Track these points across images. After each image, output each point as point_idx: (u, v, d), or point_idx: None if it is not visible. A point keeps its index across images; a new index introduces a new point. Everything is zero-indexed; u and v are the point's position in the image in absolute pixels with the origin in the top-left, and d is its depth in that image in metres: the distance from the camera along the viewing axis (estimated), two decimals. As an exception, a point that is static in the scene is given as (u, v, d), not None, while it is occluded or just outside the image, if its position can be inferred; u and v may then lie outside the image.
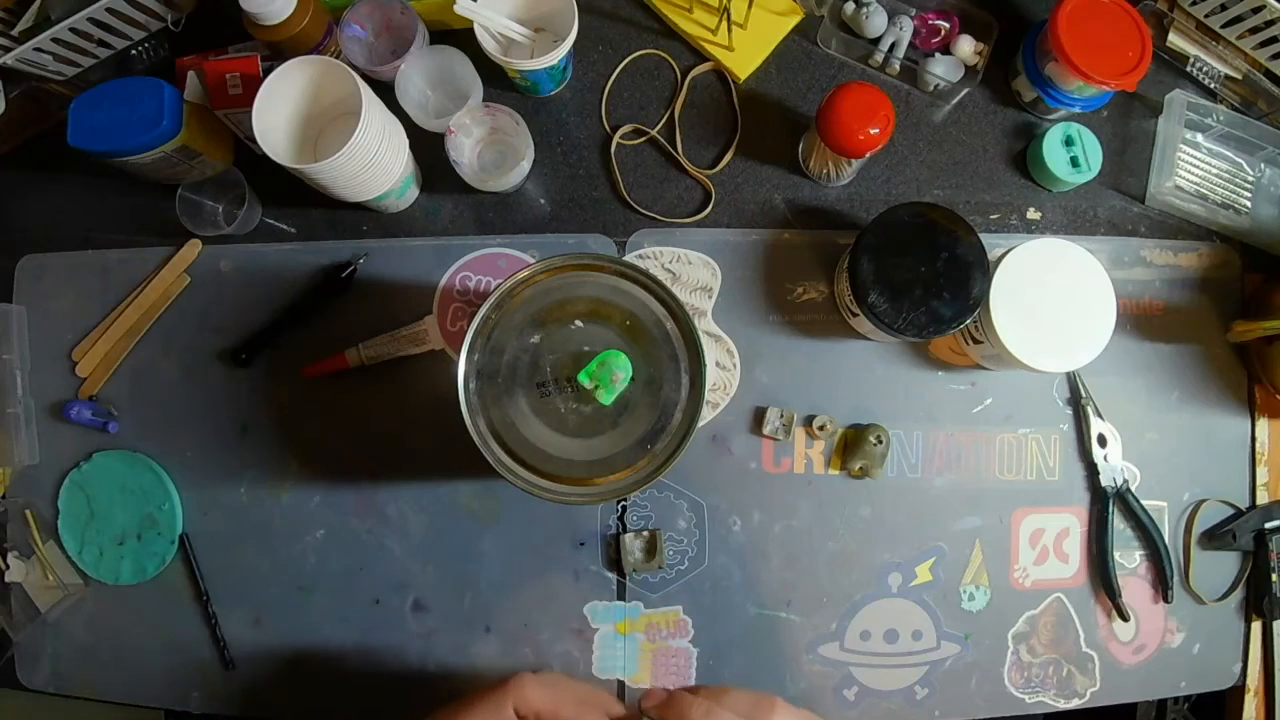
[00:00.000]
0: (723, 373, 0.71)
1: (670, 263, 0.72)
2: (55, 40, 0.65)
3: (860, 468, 0.70)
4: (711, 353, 0.71)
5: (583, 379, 0.52)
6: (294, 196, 0.70)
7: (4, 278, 0.73)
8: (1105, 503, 0.70)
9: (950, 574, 0.71)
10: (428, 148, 0.70)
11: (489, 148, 0.71)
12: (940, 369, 0.72)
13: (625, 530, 0.70)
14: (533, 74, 0.68)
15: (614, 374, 0.52)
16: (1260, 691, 0.72)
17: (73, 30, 0.65)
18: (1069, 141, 0.71)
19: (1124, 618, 0.70)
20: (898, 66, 0.73)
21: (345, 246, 0.72)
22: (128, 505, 0.71)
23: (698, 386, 0.53)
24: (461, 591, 0.70)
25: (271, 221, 0.73)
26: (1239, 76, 0.74)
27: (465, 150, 0.69)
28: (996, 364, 0.69)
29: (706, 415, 0.70)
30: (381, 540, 0.70)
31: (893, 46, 0.72)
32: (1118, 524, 0.71)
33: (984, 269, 0.62)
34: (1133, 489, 0.71)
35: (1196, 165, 0.74)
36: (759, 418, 0.70)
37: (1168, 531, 0.72)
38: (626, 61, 0.74)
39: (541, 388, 0.55)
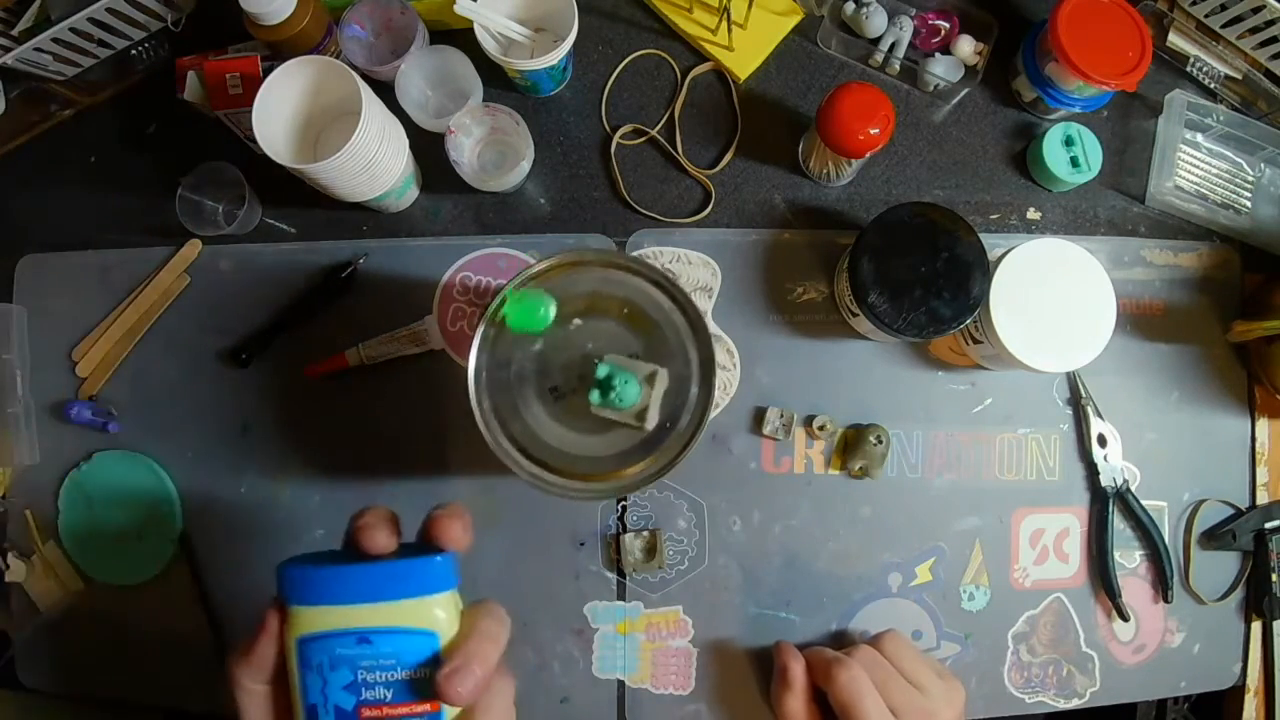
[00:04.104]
0: (723, 373, 0.71)
1: (670, 263, 0.72)
2: (55, 40, 0.65)
3: (860, 468, 0.70)
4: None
5: (594, 400, 0.52)
6: (294, 196, 0.70)
7: (4, 278, 0.73)
8: (1105, 503, 0.70)
9: (950, 574, 0.71)
10: (428, 148, 0.70)
11: (489, 148, 0.71)
12: (940, 369, 0.72)
13: (625, 530, 0.70)
14: (533, 74, 0.68)
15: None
16: (1260, 691, 0.72)
17: (73, 30, 0.65)
18: (1069, 141, 0.71)
19: (1124, 618, 0.70)
20: (898, 66, 0.73)
21: (345, 246, 0.72)
22: (128, 505, 0.71)
23: (705, 347, 0.53)
24: (461, 591, 0.70)
25: (271, 221, 0.73)
26: (1239, 76, 0.74)
27: (465, 150, 0.69)
28: (996, 364, 0.69)
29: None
30: (381, 540, 0.70)
31: (893, 46, 0.72)
32: (1118, 524, 0.71)
33: (984, 269, 0.62)
34: (1133, 489, 0.71)
35: (1196, 165, 0.74)
36: (759, 418, 0.70)
37: (1168, 531, 0.72)
38: (626, 61, 0.74)
39: (554, 391, 0.54)
